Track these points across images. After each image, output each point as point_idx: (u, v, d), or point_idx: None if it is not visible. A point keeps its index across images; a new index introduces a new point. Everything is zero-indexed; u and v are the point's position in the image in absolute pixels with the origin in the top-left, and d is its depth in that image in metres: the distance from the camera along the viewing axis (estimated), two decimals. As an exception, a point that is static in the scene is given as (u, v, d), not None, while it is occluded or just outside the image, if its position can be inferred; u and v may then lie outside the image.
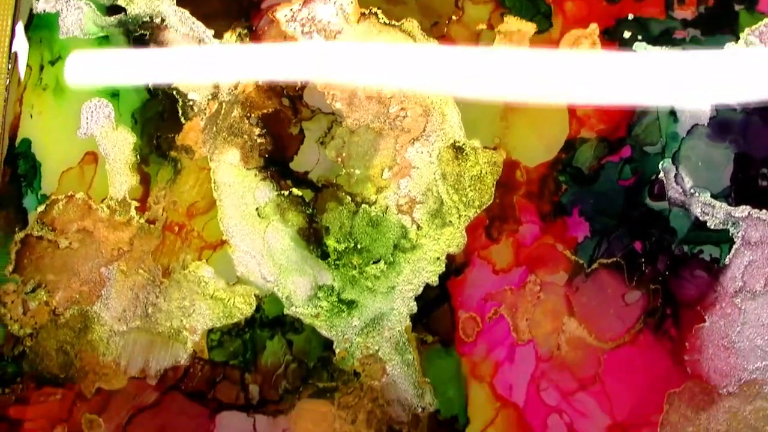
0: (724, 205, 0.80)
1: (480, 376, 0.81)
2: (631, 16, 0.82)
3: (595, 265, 0.81)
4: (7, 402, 0.82)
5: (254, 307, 0.81)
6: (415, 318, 0.81)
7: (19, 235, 0.83)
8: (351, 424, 0.80)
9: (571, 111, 0.82)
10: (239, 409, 0.81)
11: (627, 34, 0.82)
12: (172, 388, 0.81)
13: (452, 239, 0.81)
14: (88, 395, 0.81)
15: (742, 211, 0.80)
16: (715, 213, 0.80)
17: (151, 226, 0.82)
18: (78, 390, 0.82)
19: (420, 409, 0.80)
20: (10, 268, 0.83)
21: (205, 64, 0.84)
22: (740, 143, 0.81)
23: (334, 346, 0.81)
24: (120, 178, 0.84)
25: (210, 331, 0.82)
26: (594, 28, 0.82)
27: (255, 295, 0.81)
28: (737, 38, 0.80)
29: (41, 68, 0.86)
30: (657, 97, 0.81)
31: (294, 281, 0.81)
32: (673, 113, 0.81)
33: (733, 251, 0.79)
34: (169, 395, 0.81)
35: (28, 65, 0.86)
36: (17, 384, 0.82)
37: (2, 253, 0.83)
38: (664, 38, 0.81)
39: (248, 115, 0.83)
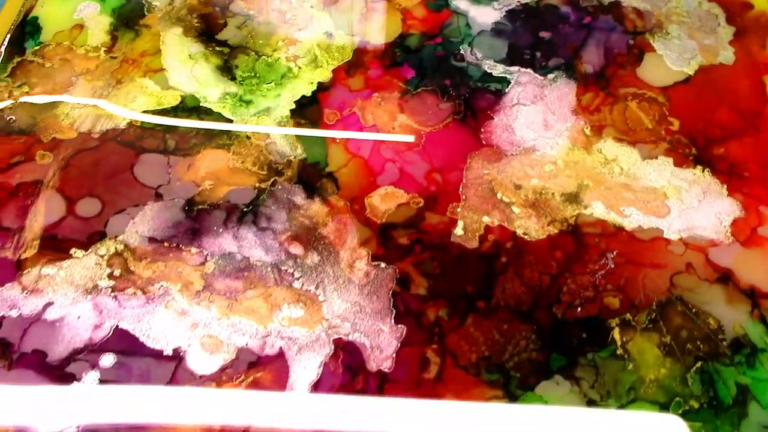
0: (503, 65, 1.22)
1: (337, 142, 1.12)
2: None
3: (419, 90, 1.19)
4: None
5: (179, 101, 1.14)
6: (293, 111, 1.15)
7: (16, 60, 1.17)
8: (241, 163, 1.08)
9: (404, 17, 1.28)
10: (158, 153, 1.09)
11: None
12: (110, 140, 1.09)
13: (322, 74, 1.19)
14: (44, 140, 1.08)
15: (515, 69, 1.22)
16: (496, 69, 1.22)
17: (113, 59, 1.19)
18: (37, 137, 1.08)
19: (293, 157, 1.09)
20: (4, 75, 1.16)
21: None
22: (511, 40, 1.27)
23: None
24: (96, 36, 1.22)
25: (144, 111, 1.13)
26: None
27: (180, 95, 1.15)
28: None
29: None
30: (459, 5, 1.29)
31: (209, 90, 1.16)
32: (468, 24, 1.28)
33: (510, 86, 1.20)
34: (106, 143, 1.09)
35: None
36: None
37: (1, 69, 1.16)
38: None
39: (191, 13, 1.26)
